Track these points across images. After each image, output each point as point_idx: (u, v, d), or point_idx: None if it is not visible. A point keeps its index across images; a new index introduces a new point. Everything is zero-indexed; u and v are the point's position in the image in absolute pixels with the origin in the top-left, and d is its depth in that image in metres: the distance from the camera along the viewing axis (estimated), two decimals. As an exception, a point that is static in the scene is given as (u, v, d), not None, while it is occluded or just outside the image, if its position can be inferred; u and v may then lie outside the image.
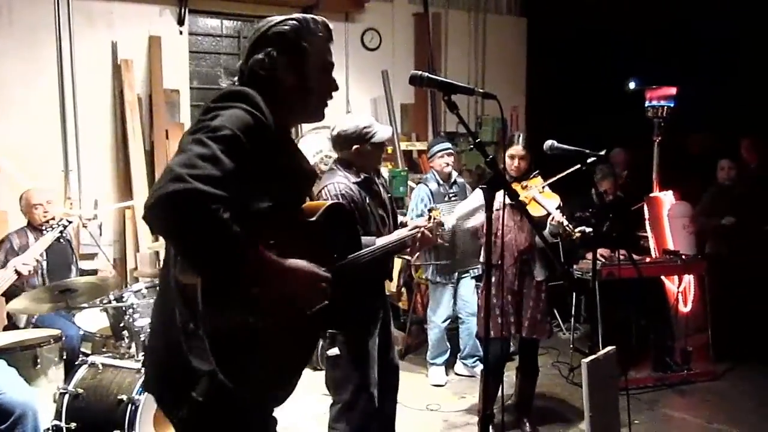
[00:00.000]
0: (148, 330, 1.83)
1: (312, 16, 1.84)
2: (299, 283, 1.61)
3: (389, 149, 6.19)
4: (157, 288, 1.82)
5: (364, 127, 3.00)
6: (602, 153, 3.35)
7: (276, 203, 1.63)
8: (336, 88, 1.87)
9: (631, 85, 5.91)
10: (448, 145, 4.95)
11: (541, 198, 3.67)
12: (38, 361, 3.49)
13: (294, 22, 1.78)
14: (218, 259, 1.44)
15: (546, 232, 3.72)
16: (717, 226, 5.44)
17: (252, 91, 1.64)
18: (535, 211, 3.65)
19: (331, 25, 1.87)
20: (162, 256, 5.16)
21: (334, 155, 3.21)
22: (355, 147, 3.00)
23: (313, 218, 1.81)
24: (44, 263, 4.20)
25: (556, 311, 6.32)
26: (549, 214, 3.63)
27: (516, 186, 3.73)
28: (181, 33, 5.72)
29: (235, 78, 1.83)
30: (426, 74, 1.83)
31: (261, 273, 1.52)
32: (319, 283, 1.66)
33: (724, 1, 6.29)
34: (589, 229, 3.70)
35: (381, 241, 2.80)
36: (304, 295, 1.65)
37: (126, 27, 5.49)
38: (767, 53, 6.58)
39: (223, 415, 1.61)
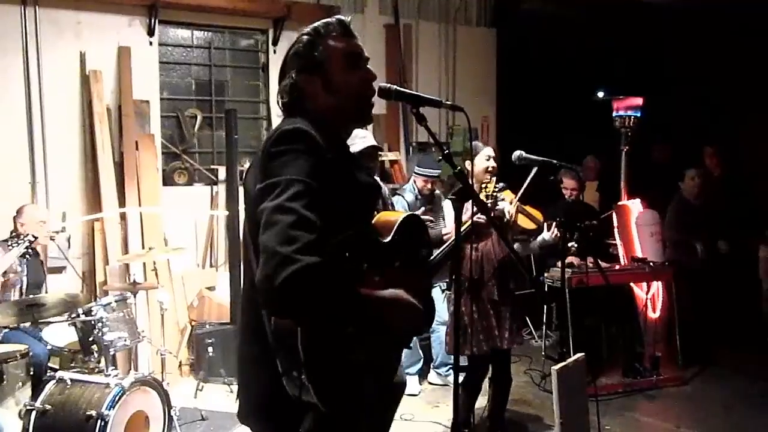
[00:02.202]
0: (241, 370, 1.81)
1: (325, 20, 1.79)
2: (398, 315, 1.67)
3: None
4: (241, 329, 1.79)
5: None
6: (565, 164, 3.42)
7: (351, 228, 1.65)
8: (373, 78, 1.81)
9: (600, 95, 6.02)
10: (436, 173, 4.91)
11: (528, 211, 3.75)
12: (4, 377, 3.44)
13: (305, 36, 1.77)
14: (343, 318, 1.53)
15: (536, 243, 3.80)
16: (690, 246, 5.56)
17: (302, 124, 1.62)
18: (523, 223, 3.71)
19: (348, 19, 1.82)
20: (132, 269, 5.12)
21: None
22: None
23: (389, 238, 1.80)
24: (24, 279, 4.18)
25: (528, 319, 6.39)
26: (538, 227, 3.72)
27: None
28: (151, 43, 5.67)
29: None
30: (394, 87, 1.85)
31: (368, 311, 1.59)
32: (416, 315, 1.71)
33: (688, 15, 6.45)
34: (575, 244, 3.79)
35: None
36: (401, 326, 1.72)
37: (95, 37, 5.42)
38: (729, 65, 6.77)
39: None
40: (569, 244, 3.78)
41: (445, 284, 4.93)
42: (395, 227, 1.81)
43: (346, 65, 1.77)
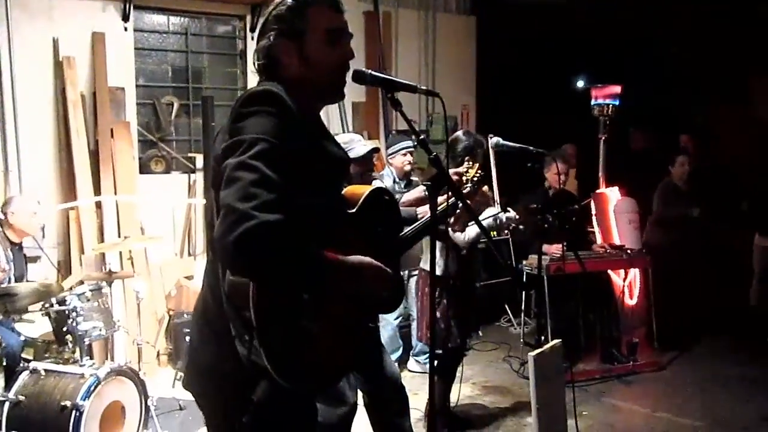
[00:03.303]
0: (191, 350, 1.79)
1: None
2: (366, 281, 1.63)
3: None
4: (199, 303, 1.76)
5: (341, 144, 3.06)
6: (543, 150, 3.44)
7: (317, 195, 1.62)
8: (351, 57, 1.76)
9: (579, 84, 6.04)
10: (409, 143, 4.91)
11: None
12: (-25, 369, 3.37)
13: (291, 0, 1.70)
14: (301, 279, 1.50)
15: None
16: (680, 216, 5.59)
17: (273, 87, 1.61)
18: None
19: None
20: (108, 258, 5.06)
21: None
22: None
23: (355, 209, 1.76)
24: (12, 271, 4.13)
25: (507, 307, 6.43)
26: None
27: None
28: (125, 29, 5.57)
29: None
30: (369, 71, 1.82)
31: (331, 277, 1.55)
32: (386, 280, 1.67)
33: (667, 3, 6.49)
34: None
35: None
36: (370, 292, 1.67)
37: (67, 23, 5.31)
38: (707, 53, 6.82)
39: (282, 413, 1.64)
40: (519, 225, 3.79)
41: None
42: (362, 199, 1.77)
43: (328, 40, 1.72)
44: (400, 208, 2.63)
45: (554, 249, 4.84)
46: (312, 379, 1.62)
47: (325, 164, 1.70)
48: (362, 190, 1.81)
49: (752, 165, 6.13)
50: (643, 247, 5.43)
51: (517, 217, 3.80)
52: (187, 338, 5.01)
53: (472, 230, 3.67)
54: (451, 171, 2.89)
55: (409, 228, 2.31)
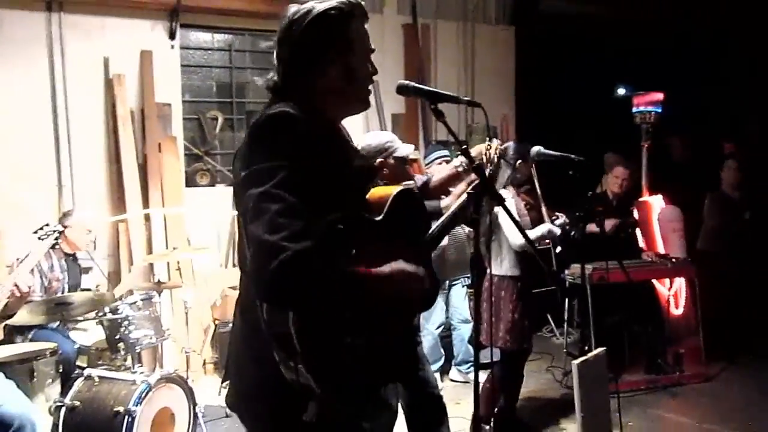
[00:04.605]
0: (234, 369, 1.77)
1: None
2: (401, 287, 1.62)
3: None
4: (236, 322, 1.74)
5: (386, 142, 3.14)
6: (584, 159, 3.44)
7: (342, 210, 1.59)
8: (375, 72, 1.76)
9: (620, 92, 5.99)
10: (445, 152, 4.97)
11: None
12: (35, 374, 3.50)
13: (335, 11, 1.66)
14: (340, 302, 1.50)
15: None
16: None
17: (288, 108, 1.57)
18: None
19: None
20: (156, 269, 5.21)
21: None
22: (378, 161, 3.11)
23: (382, 215, 1.73)
24: (66, 285, 4.28)
25: (549, 316, 6.38)
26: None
27: None
28: (172, 47, 5.75)
29: (272, 74, 1.76)
30: (412, 84, 1.86)
31: (368, 292, 1.55)
32: (420, 282, 1.67)
33: (708, 9, 6.39)
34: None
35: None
36: (406, 296, 1.66)
37: (118, 41, 5.52)
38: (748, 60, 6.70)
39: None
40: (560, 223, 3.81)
41: (468, 280, 4.96)
42: (388, 204, 1.75)
43: (366, 54, 1.74)
44: (426, 200, 2.63)
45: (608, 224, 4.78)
46: (363, 393, 1.63)
47: (348, 177, 1.69)
48: (388, 193, 1.79)
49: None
50: (697, 256, 5.33)
51: (567, 220, 3.82)
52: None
53: (519, 237, 3.71)
54: (474, 149, 2.88)
55: (435, 224, 2.29)
